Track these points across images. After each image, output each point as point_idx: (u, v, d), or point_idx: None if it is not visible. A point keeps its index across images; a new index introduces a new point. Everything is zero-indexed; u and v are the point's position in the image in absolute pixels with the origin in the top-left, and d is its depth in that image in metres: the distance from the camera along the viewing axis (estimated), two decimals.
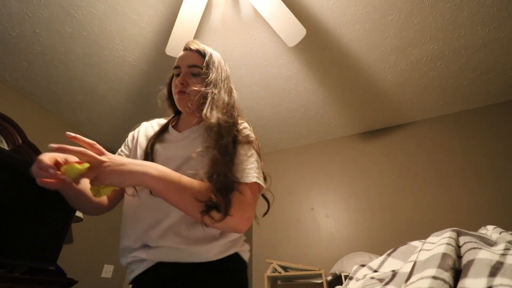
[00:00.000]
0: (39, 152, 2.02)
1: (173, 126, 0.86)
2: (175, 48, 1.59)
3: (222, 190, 0.59)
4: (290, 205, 2.65)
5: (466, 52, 1.88)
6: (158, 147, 0.79)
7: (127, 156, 0.85)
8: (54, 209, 1.84)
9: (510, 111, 2.25)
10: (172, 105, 0.89)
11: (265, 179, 0.75)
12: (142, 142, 0.83)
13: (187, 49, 0.82)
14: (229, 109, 0.73)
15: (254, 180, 0.66)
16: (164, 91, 0.91)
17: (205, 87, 0.74)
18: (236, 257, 0.70)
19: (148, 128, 0.88)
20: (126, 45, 1.85)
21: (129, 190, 0.74)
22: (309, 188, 2.66)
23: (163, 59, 1.92)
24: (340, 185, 2.56)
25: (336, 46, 1.85)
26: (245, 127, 0.76)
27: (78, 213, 2.06)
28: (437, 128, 2.44)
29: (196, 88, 0.75)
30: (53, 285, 1.64)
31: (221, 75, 0.79)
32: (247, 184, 0.65)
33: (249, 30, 1.77)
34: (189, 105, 0.77)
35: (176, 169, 0.64)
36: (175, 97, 0.79)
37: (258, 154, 0.74)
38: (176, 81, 0.79)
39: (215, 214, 0.58)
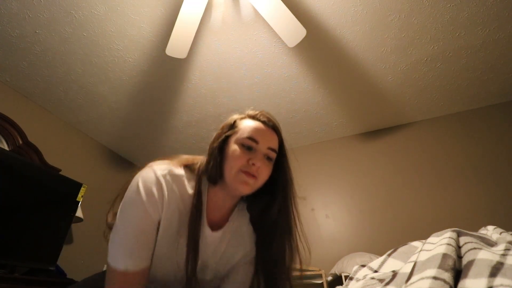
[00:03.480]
0: (39, 153, 2.03)
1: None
2: (175, 49, 1.59)
3: None
4: None
5: (466, 53, 1.88)
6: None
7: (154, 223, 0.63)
8: (54, 210, 1.84)
9: (510, 112, 2.25)
10: (217, 172, 0.66)
11: None
12: (173, 221, 0.64)
13: (266, 124, 0.69)
14: (293, 243, 0.69)
15: None
16: (214, 148, 0.68)
17: (271, 182, 0.68)
18: None
19: (172, 196, 0.64)
20: (126, 45, 1.85)
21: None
22: (309, 189, 2.66)
23: (163, 60, 1.92)
24: (340, 186, 2.56)
25: (336, 47, 1.85)
26: None
27: (78, 213, 2.06)
28: (437, 128, 2.44)
29: (261, 182, 0.66)
30: (53, 285, 1.64)
31: (291, 174, 0.71)
32: None
33: (249, 31, 1.77)
34: (248, 191, 0.66)
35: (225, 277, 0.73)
36: (240, 175, 0.64)
37: None
38: (254, 161, 0.64)
39: None
